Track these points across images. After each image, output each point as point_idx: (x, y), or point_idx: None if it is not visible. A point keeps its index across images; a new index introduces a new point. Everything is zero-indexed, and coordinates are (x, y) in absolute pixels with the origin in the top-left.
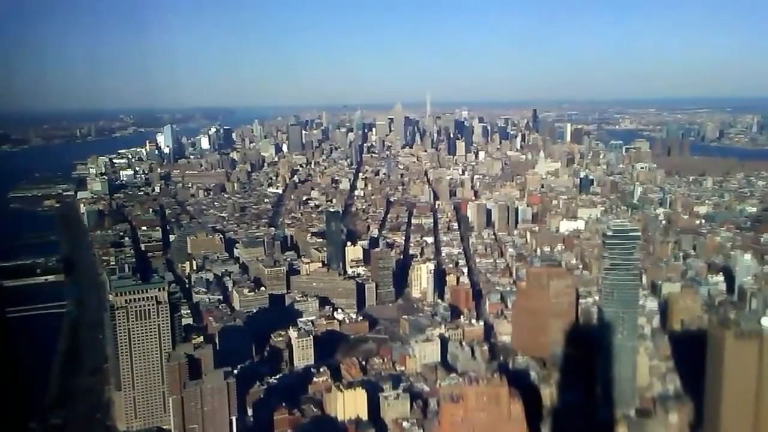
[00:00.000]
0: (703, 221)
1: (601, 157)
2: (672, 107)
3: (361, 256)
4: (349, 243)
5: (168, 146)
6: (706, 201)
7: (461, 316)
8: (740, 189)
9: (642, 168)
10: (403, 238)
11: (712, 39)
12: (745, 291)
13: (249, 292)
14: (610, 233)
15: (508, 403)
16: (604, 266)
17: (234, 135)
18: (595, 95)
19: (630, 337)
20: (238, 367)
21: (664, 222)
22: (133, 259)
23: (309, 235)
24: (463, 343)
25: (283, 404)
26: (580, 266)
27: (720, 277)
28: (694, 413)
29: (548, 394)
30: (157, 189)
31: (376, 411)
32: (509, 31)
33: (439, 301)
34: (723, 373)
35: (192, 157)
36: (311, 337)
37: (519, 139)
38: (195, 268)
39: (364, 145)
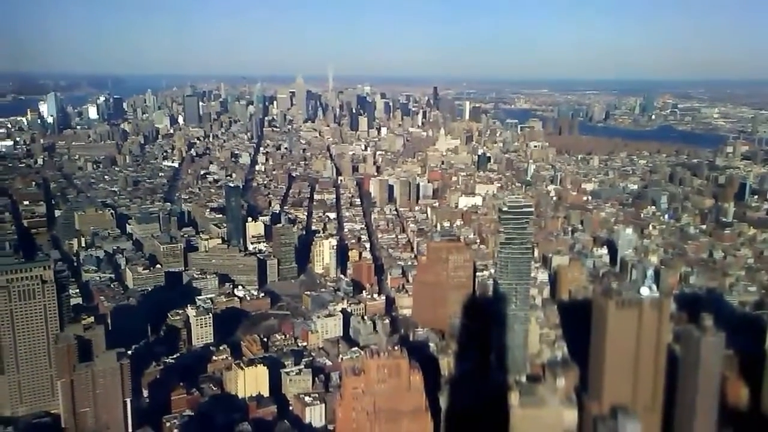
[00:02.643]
0: (590, 197)
1: (497, 135)
2: (563, 89)
3: (262, 232)
4: (249, 218)
5: (52, 115)
6: (593, 178)
7: (363, 291)
8: (623, 167)
9: (535, 146)
10: (306, 213)
11: (601, 23)
12: (626, 263)
13: (143, 269)
14: (505, 209)
15: (408, 374)
16: (499, 240)
17: (125, 105)
18: (492, 75)
19: (522, 307)
20: (133, 347)
21: (554, 198)
22: (15, 236)
23: (207, 210)
24: (365, 318)
25: (181, 384)
26: (478, 241)
27: (604, 250)
28: (580, 377)
29: (446, 363)
30: (40, 161)
31: (277, 387)
32: (411, 8)
33: (342, 276)
34: (606, 339)
35: (79, 127)
36: (210, 315)
37: (420, 116)
38: (84, 245)
39: (265, 118)
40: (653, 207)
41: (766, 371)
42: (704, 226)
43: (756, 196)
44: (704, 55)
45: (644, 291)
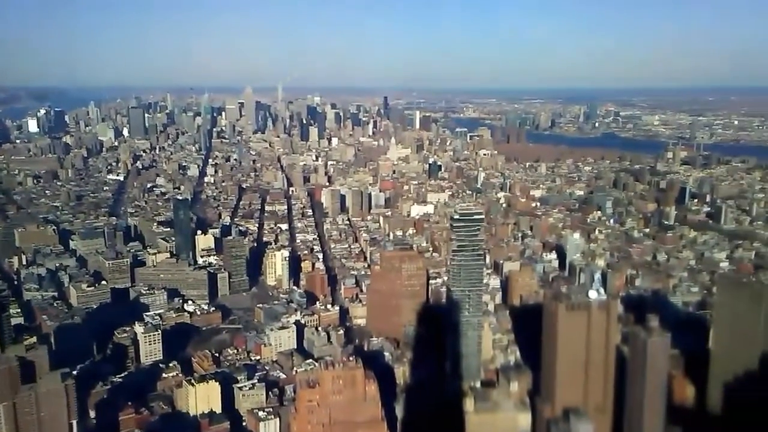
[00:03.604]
0: (538, 204)
1: (448, 143)
2: (510, 98)
3: (212, 245)
4: (199, 231)
5: None
6: (541, 185)
7: (317, 302)
8: (570, 174)
9: (485, 154)
10: (257, 225)
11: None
12: (574, 267)
13: (88, 287)
14: (456, 216)
15: (364, 384)
16: (451, 248)
17: (67, 117)
18: (442, 85)
19: (475, 313)
20: (78, 367)
21: (504, 205)
22: None
23: (155, 224)
24: (319, 329)
25: (129, 403)
26: (431, 249)
27: (553, 255)
28: (532, 380)
29: (401, 372)
30: None
31: (230, 403)
32: (361, 20)
33: (295, 288)
34: (557, 342)
35: (18, 141)
36: (159, 331)
37: (371, 125)
38: (25, 263)
39: (214, 130)
40: (599, 212)
41: (711, 369)
42: (648, 230)
43: (696, 200)
44: (644, 63)
45: (592, 294)
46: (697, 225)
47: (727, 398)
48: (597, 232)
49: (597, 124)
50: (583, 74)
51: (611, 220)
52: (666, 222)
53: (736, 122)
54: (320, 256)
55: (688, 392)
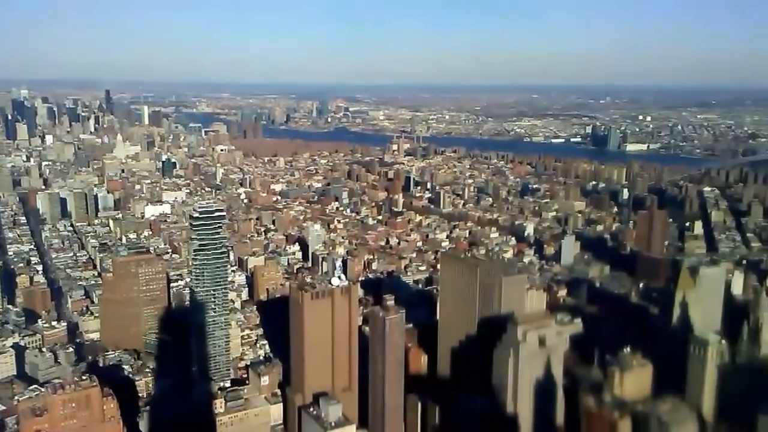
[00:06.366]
0: (279, 197)
1: (181, 139)
2: (244, 92)
3: None
4: None
5: None
6: (280, 179)
7: (39, 320)
8: (307, 167)
9: (222, 150)
10: None
11: (274, 29)
12: (317, 257)
13: None
14: (196, 215)
15: (101, 403)
16: (193, 248)
17: None
18: (170, 77)
19: (222, 312)
20: None
21: (245, 200)
22: None
23: None
24: (44, 349)
25: None
26: (170, 250)
27: (297, 247)
28: (283, 372)
29: (144, 384)
30: None
31: None
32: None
33: (10, 306)
34: (304, 331)
35: None
36: None
37: (92, 121)
38: None
39: None
40: (336, 202)
41: (439, 338)
42: (380, 217)
43: (419, 187)
44: (368, 61)
45: (335, 281)
46: (422, 210)
47: (453, 361)
48: (336, 221)
49: (329, 119)
50: (313, 69)
51: (348, 210)
52: (395, 209)
53: (447, 117)
54: (39, 268)
55: (422, 361)
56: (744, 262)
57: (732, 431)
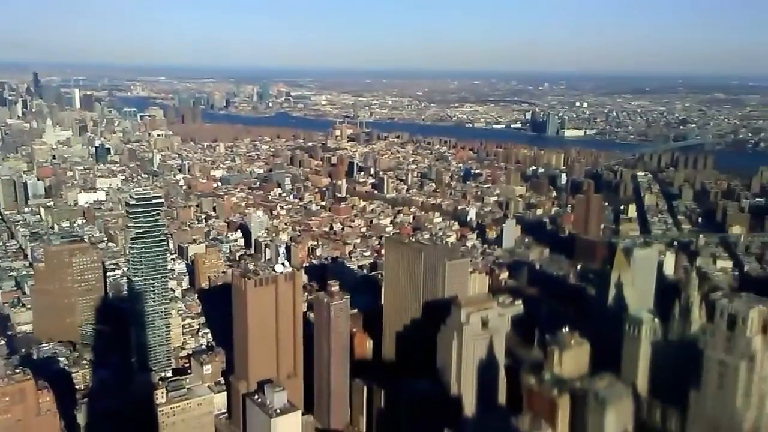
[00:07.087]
0: (220, 184)
1: (116, 124)
2: (182, 76)
3: None
4: None
5: None
6: (221, 165)
7: None
8: (248, 153)
9: (159, 135)
10: None
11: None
12: (260, 243)
13: None
14: (132, 202)
15: (36, 397)
16: (130, 236)
17: None
18: (102, 60)
19: (161, 301)
20: None
21: (184, 187)
22: None
23: None
24: None
25: None
26: (105, 239)
27: (239, 234)
28: (226, 359)
29: (81, 376)
30: None
31: None
32: None
33: None
34: (247, 319)
35: None
36: None
37: (20, 105)
38: None
39: None
40: (279, 189)
41: (384, 322)
42: (324, 203)
43: (362, 173)
44: (311, 45)
45: (278, 268)
46: (365, 195)
47: (398, 345)
48: (279, 208)
49: (270, 104)
50: (252, 53)
51: (291, 196)
52: (339, 194)
53: (390, 102)
54: None
55: (367, 345)
56: (675, 243)
57: (665, 405)
